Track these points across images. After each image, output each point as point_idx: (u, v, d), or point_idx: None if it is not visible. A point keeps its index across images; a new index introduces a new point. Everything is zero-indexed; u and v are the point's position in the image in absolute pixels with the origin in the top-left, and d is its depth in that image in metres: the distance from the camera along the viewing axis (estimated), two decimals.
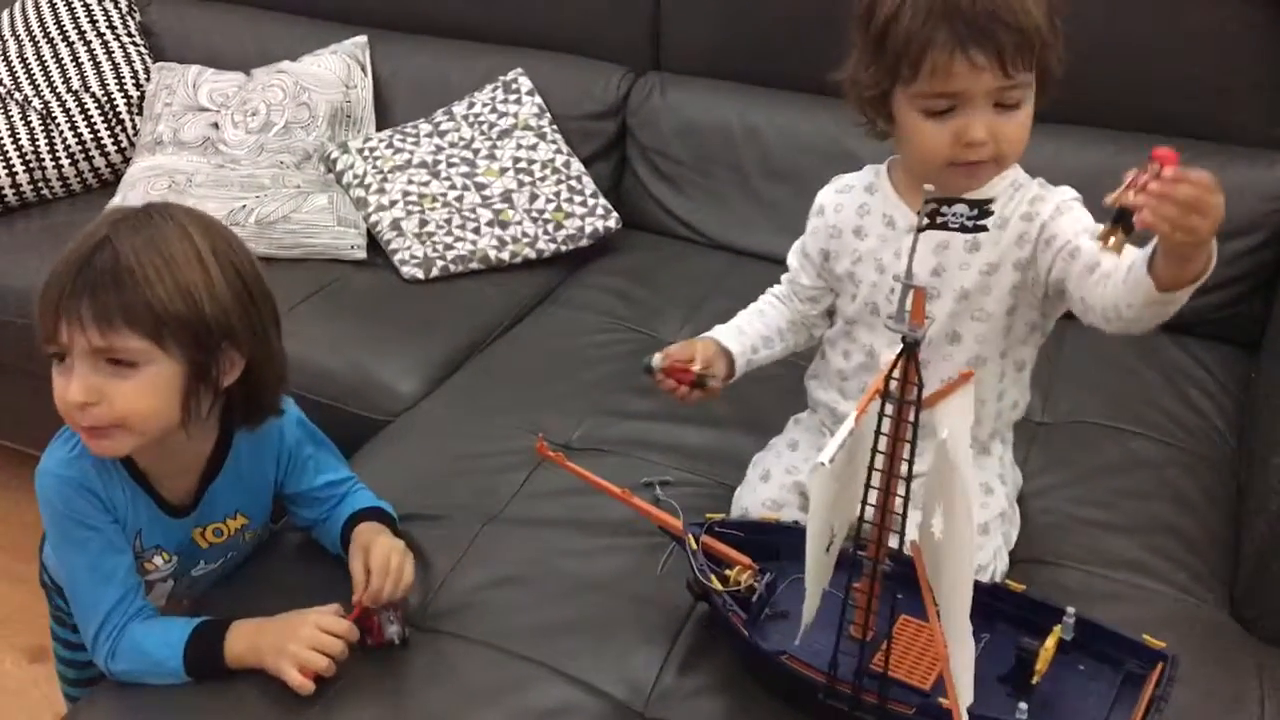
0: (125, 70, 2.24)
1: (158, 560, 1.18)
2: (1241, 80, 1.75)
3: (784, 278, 1.37)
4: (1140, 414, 1.56)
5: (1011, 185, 1.21)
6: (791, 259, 1.35)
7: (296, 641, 1.10)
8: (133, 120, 2.21)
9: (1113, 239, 0.94)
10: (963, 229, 0.86)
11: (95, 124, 2.17)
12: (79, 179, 2.16)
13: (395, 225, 1.93)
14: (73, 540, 1.12)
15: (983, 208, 0.86)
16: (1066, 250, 1.15)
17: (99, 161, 2.17)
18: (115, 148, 2.19)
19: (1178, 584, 1.30)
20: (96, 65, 2.23)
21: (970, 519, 0.91)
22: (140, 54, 2.28)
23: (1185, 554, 1.34)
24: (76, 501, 1.11)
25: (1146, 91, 1.78)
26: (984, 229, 0.88)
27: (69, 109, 2.17)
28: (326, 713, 1.10)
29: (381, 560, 1.15)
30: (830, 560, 1.06)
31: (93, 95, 2.20)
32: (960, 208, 0.85)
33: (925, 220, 0.87)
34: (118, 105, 2.21)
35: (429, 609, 1.22)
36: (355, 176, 2.00)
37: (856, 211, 1.27)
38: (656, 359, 1.25)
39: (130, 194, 2.01)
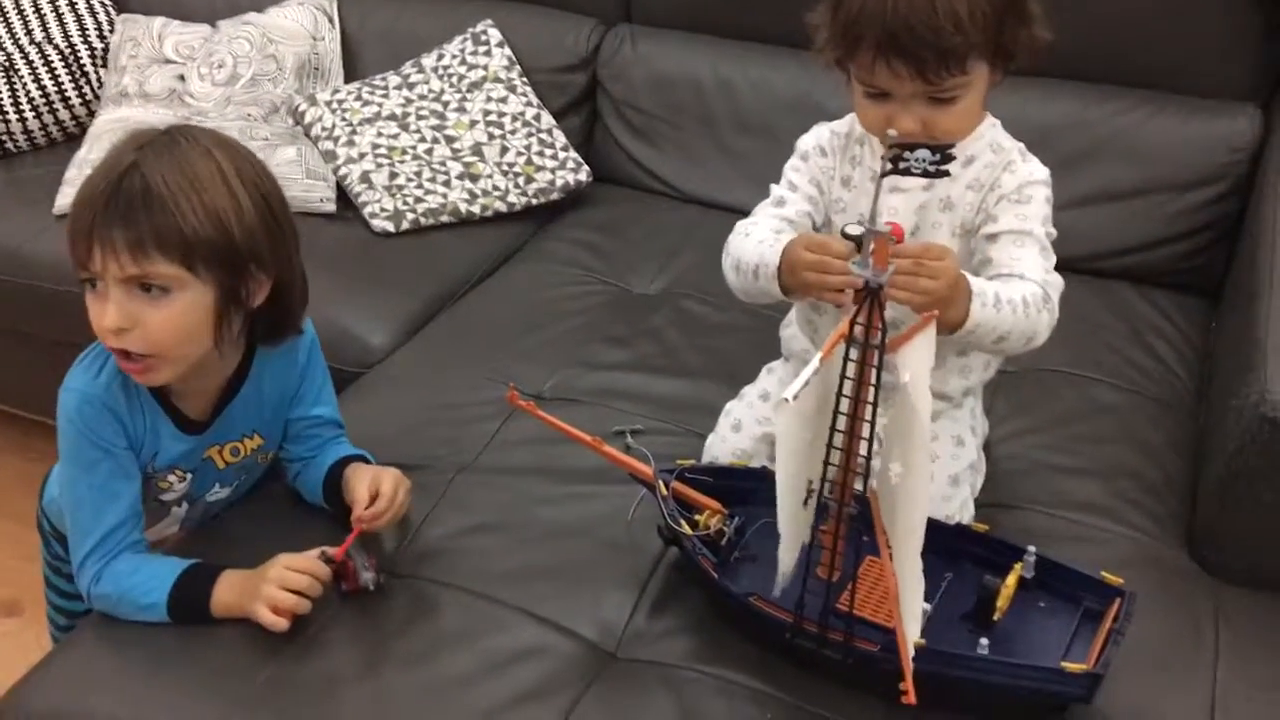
0: (89, 21, 2.21)
1: (172, 478, 1.19)
2: (1205, 33, 1.76)
3: (774, 213, 1.25)
4: (1103, 361, 1.59)
5: (991, 147, 1.21)
6: (781, 193, 1.27)
7: (266, 582, 1.11)
8: (97, 72, 2.18)
9: None
10: (925, 174, 0.87)
11: (59, 76, 2.15)
12: (43, 132, 2.14)
13: (365, 178, 1.92)
14: (84, 460, 1.12)
15: (944, 152, 0.87)
16: (984, 252, 1.17)
17: (63, 114, 2.15)
18: (80, 100, 2.16)
19: (1138, 525, 1.33)
20: (59, 16, 2.20)
21: (927, 462, 0.93)
22: (104, 5, 2.24)
23: (1145, 497, 1.37)
24: (96, 421, 1.11)
25: (1111, 43, 1.79)
26: (946, 174, 0.89)
27: (32, 61, 2.14)
28: (305, 656, 1.12)
29: (391, 486, 1.18)
30: (809, 515, 1.08)
31: (56, 47, 2.16)
32: (923, 152, 0.86)
33: (888, 165, 0.88)
34: (81, 57, 2.18)
35: (404, 555, 1.24)
36: (324, 129, 1.99)
37: (848, 160, 1.25)
38: (858, 229, 1.01)
39: (96, 147, 1.99)
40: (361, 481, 1.18)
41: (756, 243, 1.19)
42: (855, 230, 1.01)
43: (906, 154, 0.88)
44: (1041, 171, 1.21)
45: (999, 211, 1.18)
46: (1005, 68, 1.16)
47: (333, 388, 1.31)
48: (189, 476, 1.21)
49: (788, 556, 1.07)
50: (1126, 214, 1.77)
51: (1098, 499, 1.36)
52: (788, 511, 1.03)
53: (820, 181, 1.26)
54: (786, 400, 0.90)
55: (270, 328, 1.17)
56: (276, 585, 1.11)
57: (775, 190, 1.28)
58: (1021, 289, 1.12)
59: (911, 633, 0.97)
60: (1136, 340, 1.65)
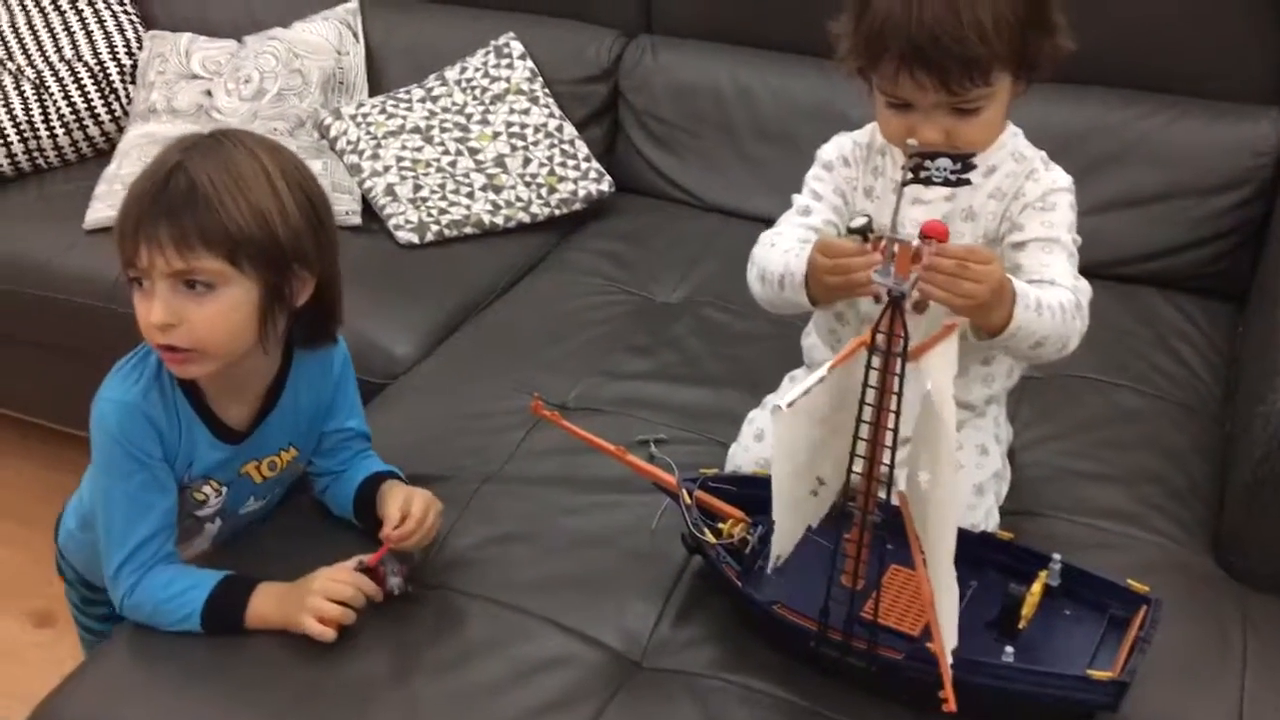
0: (117, 39, 2.24)
1: (207, 489, 1.20)
2: (1228, 37, 1.76)
3: (800, 223, 1.25)
4: (1128, 367, 1.58)
5: (1013, 156, 1.21)
6: (805, 202, 1.27)
7: (311, 594, 1.13)
8: (126, 89, 2.21)
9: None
10: (946, 182, 0.87)
11: (89, 93, 2.18)
12: (73, 148, 2.17)
13: (389, 191, 1.94)
14: (119, 470, 1.13)
15: (965, 161, 0.87)
16: (1012, 260, 1.16)
17: (93, 130, 2.18)
18: (109, 116, 2.19)
19: (1164, 532, 1.32)
20: (88, 34, 2.23)
21: (954, 468, 0.93)
22: (132, 22, 2.28)
23: (1171, 503, 1.36)
24: (133, 430, 1.12)
25: (1133, 48, 1.78)
26: (967, 182, 0.89)
27: (62, 78, 2.17)
28: (336, 665, 1.13)
29: (421, 508, 1.19)
30: (818, 504, 1.08)
31: (85, 64, 2.20)
32: (943, 161, 0.86)
33: (909, 174, 0.89)
34: (110, 74, 2.21)
35: (432, 565, 1.24)
36: (349, 143, 2.01)
37: (870, 170, 1.25)
38: (862, 219, 1.03)
39: (125, 162, 2.01)
40: (394, 501, 1.19)
41: (782, 252, 1.18)
42: (859, 223, 1.00)
43: (927, 163, 0.88)
44: (1065, 179, 1.21)
45: (1024, 220, 1.18)
46: (1029, 78, 1.16)
47: (359, 397, 1.32)
48: (224, 490, 1.21)
49: (783, 541, 1.07)
50: (1150, 219, 1.76)
51: (1123, 505, 1.35)
52: (784, 504, 1.03)
53: (844, 191, 1.26)
54: (780, 408, 0.91)
55: (311, 329, 1.19)
56: (321, 597, 1.13)
57: (799, 200, 1.28)
58: (1057, 295, 1.12)
59: (949, 640, 0.97)
60: (1161, 345, 1.64)
